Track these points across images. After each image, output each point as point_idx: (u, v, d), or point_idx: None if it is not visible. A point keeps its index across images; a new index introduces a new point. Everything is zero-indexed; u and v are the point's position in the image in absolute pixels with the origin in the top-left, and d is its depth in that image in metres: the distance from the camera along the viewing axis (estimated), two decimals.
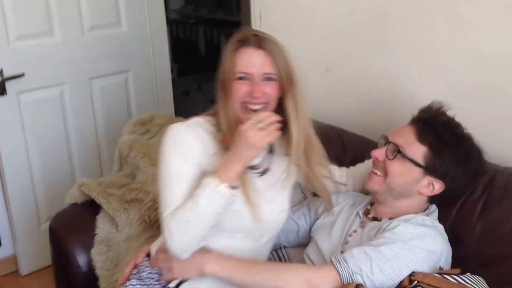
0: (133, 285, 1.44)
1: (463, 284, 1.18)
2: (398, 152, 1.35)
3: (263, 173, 1.42)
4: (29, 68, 2.38)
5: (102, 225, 1.74)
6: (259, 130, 1.23)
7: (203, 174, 1.31)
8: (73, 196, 1.84)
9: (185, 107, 4.11)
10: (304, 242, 1.59)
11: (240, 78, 1.32)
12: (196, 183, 1.29)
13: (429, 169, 1.34)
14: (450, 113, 1.39)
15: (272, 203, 1.42)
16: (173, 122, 1.97)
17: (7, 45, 2.31)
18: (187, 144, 1.34)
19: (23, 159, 2.47)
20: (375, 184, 1.41)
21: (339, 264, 1.25)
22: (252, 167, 1.38)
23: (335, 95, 1.99)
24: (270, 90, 1.33)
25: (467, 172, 1.36)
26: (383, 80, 1.81)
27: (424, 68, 1.70)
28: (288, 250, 1.65)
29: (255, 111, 1.32)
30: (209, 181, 1.25)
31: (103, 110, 2.70)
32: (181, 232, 1.26)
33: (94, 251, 1.70)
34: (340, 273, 1.23)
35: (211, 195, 1.24)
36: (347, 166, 1.65)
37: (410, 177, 1.36)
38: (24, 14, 2.33)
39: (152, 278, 1.44)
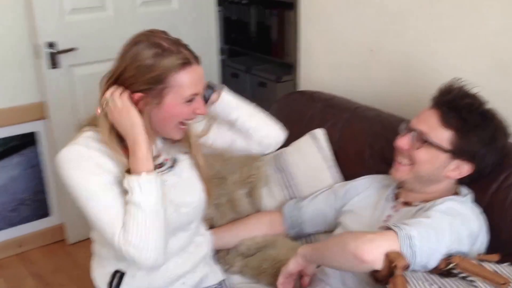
0: None
1: (499, 274, 1.13)
2: (423, 140, 1.32)
3: (173, 166, 1.37)
4: (81, 42, 2.44)
5: None
6: (114, 107, 1.23)
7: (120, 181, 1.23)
8: None
9: (233, 89, 4.16)
10: (333, 228, 1.58)
11: (190, 100, 1.27)
12: (120, 188, 1.22)
13: (456, 153, 1.31)
14: (473, 90, 1.35)
15: (191, 191, 1.38)
16: None
17: (62, 19, 2.37)
18: (88, 158, 1.24)
19: (72, 130, 2.54)
20: (402, 174, 1.40)
21: (397, 227, 1.19)
22: (160, 165, 1.33)
23: (378, 76, 1.93)
24: None
25: (494, 151, 1.33)
26: (429, 63, 1.75)
27: (474, 52, 1.62)
28: (318, 237, 1.66)
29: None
30: (130, 180, 1.19)
31: None
32: (147, 239, 1.18)
33: None
34: (398, 233, 1.17)
35: (143, 189, 1.18)
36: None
37: (438, 163, 1.33)
38: None
39: None
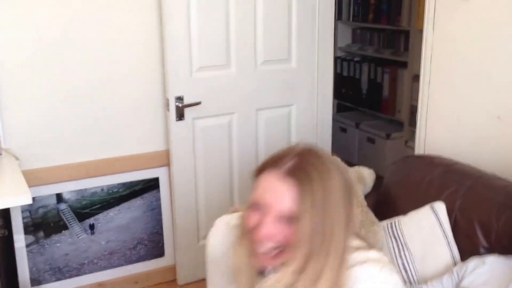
0: None
1: None
2: None
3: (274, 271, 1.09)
4: (205, 97, 2.61)
5: None
6: None
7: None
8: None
9: (341, 143, 4.18)
10: None
11: (252, 207, 1.06)
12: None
13: None
14: None
15: None
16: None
17: (190, 75, 2.55)
18: (216, 263, 1.20)
19: (191, 178, 2.70)
20: None
21: None
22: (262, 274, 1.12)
23: (504, 145, 1.87)
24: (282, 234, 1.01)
25: None
26: None
27: None
28: None
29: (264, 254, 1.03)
30: None
31: (265, 140, 2.85)
32: None
33: None
34: None
35: None
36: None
37: None
38: (207, 48, 2.56)
39: None
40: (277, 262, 1.02)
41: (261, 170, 1.07)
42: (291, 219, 0.99)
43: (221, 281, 1.18)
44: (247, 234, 1.06)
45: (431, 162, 1.95)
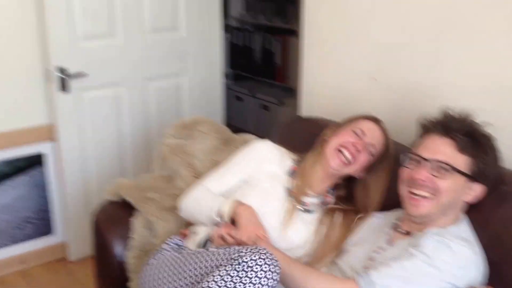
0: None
1: None
2: (445, 169, 1.33)
3: (306, 211, 1.63)
4: (91, 68, 2.51)
5: (138, 230, 1.77)
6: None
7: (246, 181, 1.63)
8: (111, 193, 1.91)
9: (237, 112, 4.22)
10: None
11: (355, 132, 1.60)
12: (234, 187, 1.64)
13: (475, 176, 1.35)
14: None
15: (298, 232, 1.59)
16: (216, 130, 2.04)
17: (73, 44, 2.43)
18: (259, 157, 1.66)
19: (80, 152, 2.60)
20: (426, 208, 1.36)
21: (362, 279, 1.28)
22: (302, 203, 1.62)
23: (380, 104, 1.97)
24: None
25: (499, 170, 1.40)
26: (429, 92, 1.79)
27: (482, 84, 1.66)
28: None
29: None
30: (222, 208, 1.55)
31: (156, 110, 2.80)
32: (190, 205, 1.64)
33: (129, 254, 1.75)
34: (359, 283, 1.28)
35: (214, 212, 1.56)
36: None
37: (459, 189, 1.36)
38: (90, 16, 2.45)
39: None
40: (346, 168, 1.59)
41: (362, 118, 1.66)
42: (369, 151, 1.59)
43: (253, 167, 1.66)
44: (333, 146, 1.59)
45: (315, 123, 1.99)
